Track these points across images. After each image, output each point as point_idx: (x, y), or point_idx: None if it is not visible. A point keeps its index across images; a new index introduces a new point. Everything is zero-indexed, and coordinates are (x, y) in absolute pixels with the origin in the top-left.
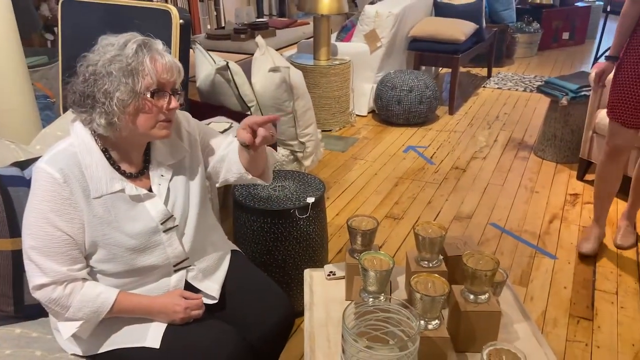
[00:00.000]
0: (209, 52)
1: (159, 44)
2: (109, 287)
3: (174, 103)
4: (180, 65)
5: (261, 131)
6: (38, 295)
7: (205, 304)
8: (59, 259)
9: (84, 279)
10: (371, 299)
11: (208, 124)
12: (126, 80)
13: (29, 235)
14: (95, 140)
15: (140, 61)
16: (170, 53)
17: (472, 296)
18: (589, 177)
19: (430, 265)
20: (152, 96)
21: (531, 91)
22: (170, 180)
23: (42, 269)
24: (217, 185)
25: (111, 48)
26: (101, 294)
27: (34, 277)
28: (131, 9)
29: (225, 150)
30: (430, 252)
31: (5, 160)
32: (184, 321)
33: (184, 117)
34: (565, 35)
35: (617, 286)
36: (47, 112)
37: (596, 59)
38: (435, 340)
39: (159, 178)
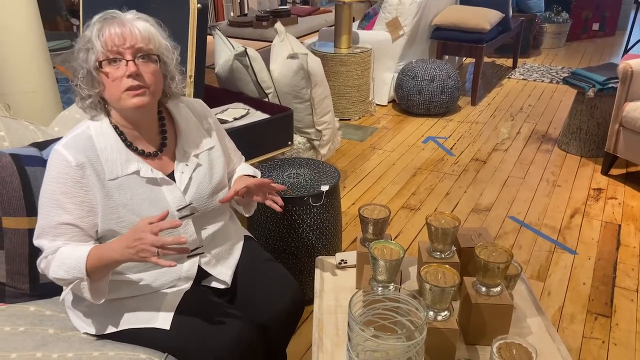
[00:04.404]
0: (230, 39)
1: (125, 15)
2: (82, 245)
3: (132, 68)
4: (150, 28)
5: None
6: (40, 269)
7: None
8: (58, 238)
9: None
10: (380, 288)
11: (225, 109)
12: (80, 58)
13: (39, 215)
14: (109, 121)
15: (90, 36)
16: (147, 21)
17: (484, 289)
18: (614, 171)
19: (443, 256)
20: (100, 66)
21: (557, 83)
22: (194, 170)
23: (41, 245)
24: None
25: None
26: (78, 249)
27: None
28: None
29: (235, 171)
30: (442, 243)
31: (23, 140)
32: (151, 258)
33: (210, 113)
34: (595, 26)
35: (637, 283)
36: (69, 95)
37: (626, 51)
38: (444, 332)
39: (183, 167)
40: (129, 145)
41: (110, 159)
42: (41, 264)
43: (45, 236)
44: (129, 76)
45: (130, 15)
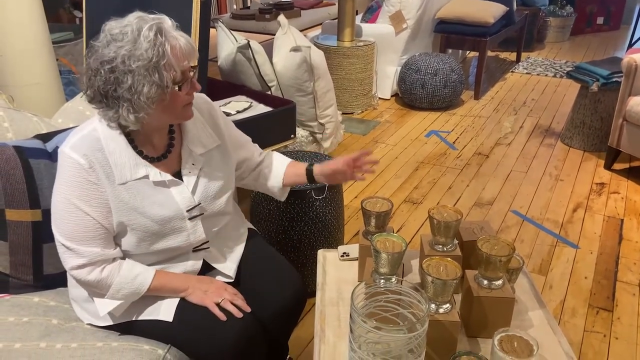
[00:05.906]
0: (233, 31)
1: (168, 22)
2: (146, 268)
3: (197, 85)
4: (191, 39)
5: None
6: (74, 274)
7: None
8: (91, 242)
9: (120, 260)
10: (382, 281)
11: (228, 102)
12: (151, 77)
13: (60, 221)
14: (120, 125)
15: (161, 54)
16: (178, 28)
17: (485, 282)
18: (617, 166)
19: (445, 249)
20: (179, 89)
21: (561, 77)
22: (201, 169)
23: (76, 251)
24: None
25: (125, 39)
26: (139, 275)
27: (69, 259)
28: None
29: (258, 160)
30: (445, 236)
31: (27, 132)
32: (211, 302)
33: (214, 108)
34: (600, 20)
35: (639, 278)
36: (72, 87)
37: (630, 45)
38: (445, 324)
39: (190, 166)
40: (140, 153)
41: (119, 163)
42: (88, 276)
43: (76, 241)
44: (190, 93)
45: (170, 22)
